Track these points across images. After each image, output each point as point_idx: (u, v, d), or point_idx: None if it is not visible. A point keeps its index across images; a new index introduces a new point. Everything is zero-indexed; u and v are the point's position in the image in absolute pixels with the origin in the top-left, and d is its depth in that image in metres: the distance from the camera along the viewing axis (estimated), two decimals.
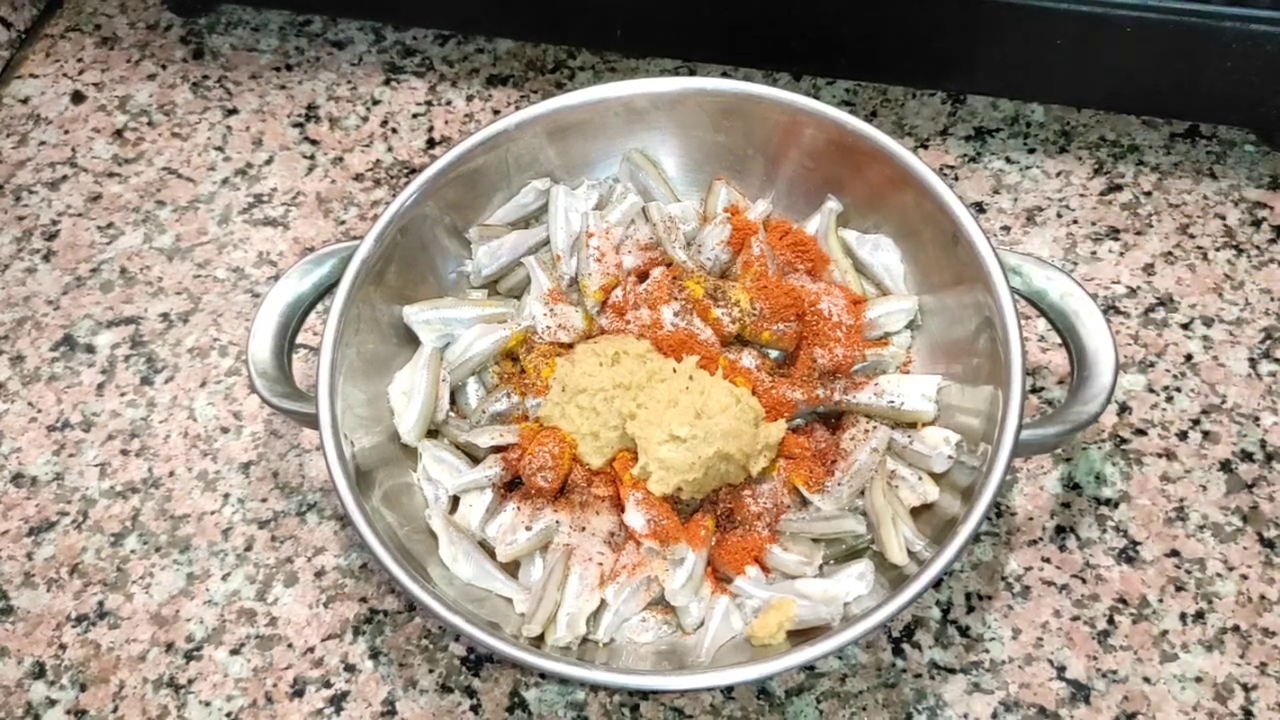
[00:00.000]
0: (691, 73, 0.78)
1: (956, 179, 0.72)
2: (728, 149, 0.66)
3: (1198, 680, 0.56)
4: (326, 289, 0.60)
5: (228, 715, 0.57)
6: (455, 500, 0.59)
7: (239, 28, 0.83)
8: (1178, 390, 0.64)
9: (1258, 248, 0.69)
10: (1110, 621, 0.58)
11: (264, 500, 0.63)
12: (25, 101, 0.80)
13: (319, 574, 0.61)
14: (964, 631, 0.58)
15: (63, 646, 0.59)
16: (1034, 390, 0.65)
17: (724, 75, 0.77)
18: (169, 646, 0.59)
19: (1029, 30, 0.67)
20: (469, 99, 0.78)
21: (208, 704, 0.57)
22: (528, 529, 0.57)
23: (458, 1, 0.78)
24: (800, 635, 0.53)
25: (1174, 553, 0.60)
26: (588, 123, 0.64)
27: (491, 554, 0.57)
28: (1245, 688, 0.56)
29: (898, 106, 0.76)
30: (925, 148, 0.74)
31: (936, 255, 0.60)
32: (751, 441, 0.56)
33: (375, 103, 0.79)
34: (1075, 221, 0.70)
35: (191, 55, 0.82)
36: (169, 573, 0.61)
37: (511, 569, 0.57)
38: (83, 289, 0.71)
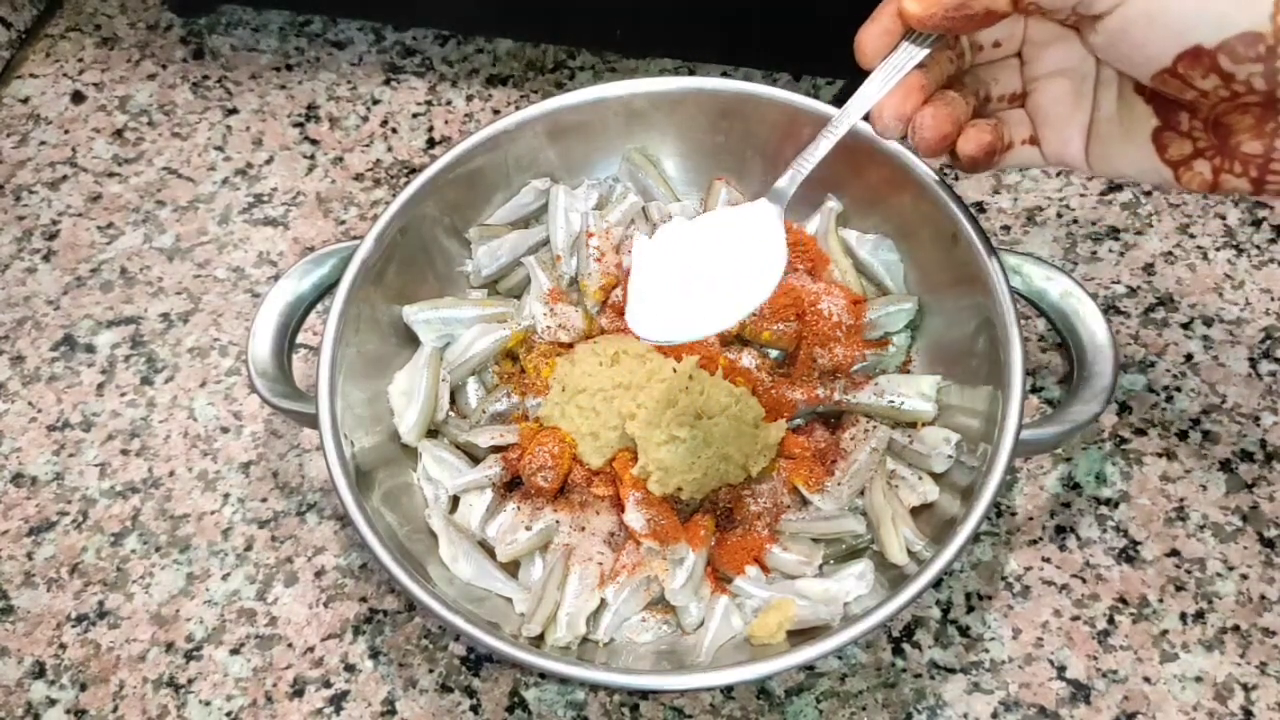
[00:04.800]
0: (691, 73, 0.78)
1: (956, 179, 0.72)
2: (727, 149, 0.66)
3: (1198, 680, 0.56)
4: (326, 289, 0.60)
5: (228, 715, 0.57)
6: (455, 500, 0.59)
7: (239, 28, 0.83)
8: (1178, 390, 0.64)
9: (1258, 247, 0.69)
10: (1110, 621, 0.58)
11: (264, 500, 0.63)
12: (25, 101, 0.80)
13: (319, 574, 0.61)
14: (964, 631, 0.58)
15: (63, 646, 0.59)
16: (1034, 390, 0.65)
17: (724, 75, 0.77)
18: (169, 646, 0.59)
19: None
20: (469, 99, 0.78)
21: (208, 704, 0.57)
22: (528, 529, 0.57)
23: (458, 1, 0.78)
24: (800, 635, 0.53)
25: (1174, 552, 0.60)
26: (588, 123, 0.64)
27: (491, 554, 0.57)
28: (1245, 687, 0.56)
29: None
30: None
31: (936, 255, 0.60)
32: (751, 441, 0.56)
33: (375, 103, 0.79)
34: (1075, 221, 0.70)
35: (191, 55, 0.82)
36: (169, 572, 0.61)
37: (511, 569, 0.57)
38: (83, 289, 0.71)
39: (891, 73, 0.45)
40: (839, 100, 0.54)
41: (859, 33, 0.46)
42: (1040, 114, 0.48)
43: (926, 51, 0.45)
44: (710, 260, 0.52)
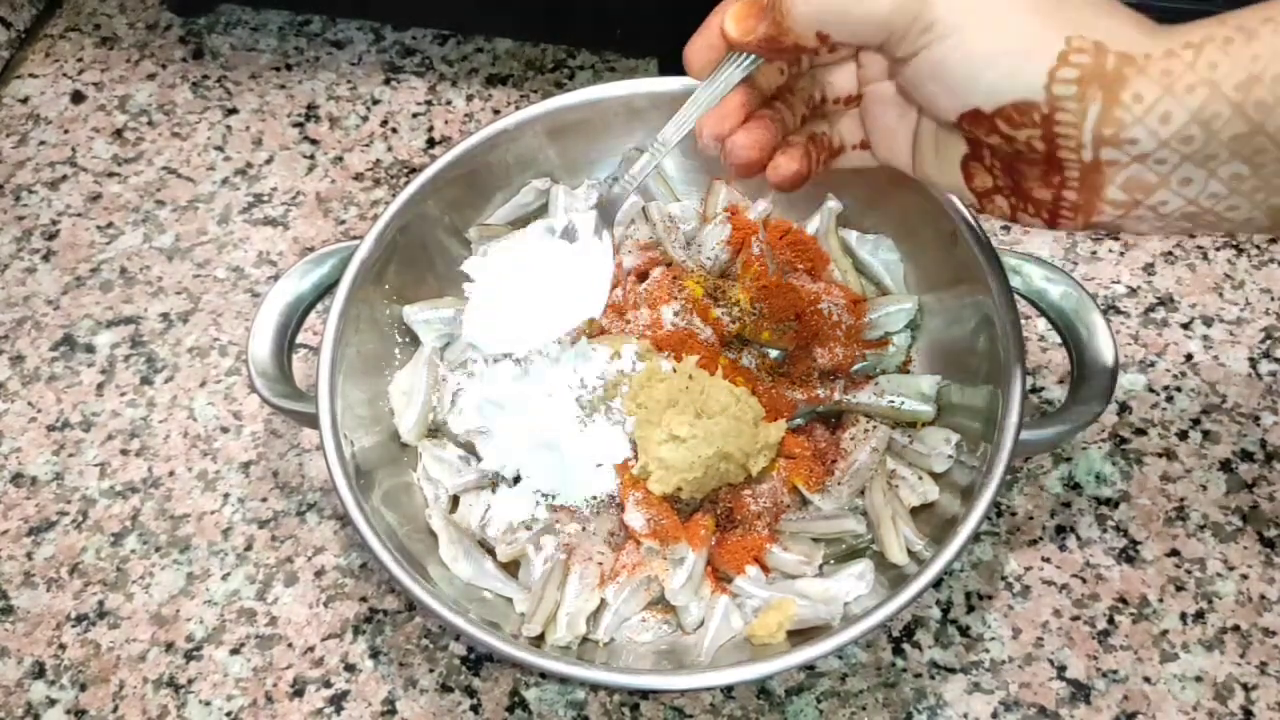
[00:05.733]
0: None
1: None
2: None
3: (1198, 680, 0.56)
4: (326, 289, 0.60)
5: (228, 715, 0.57)
6: (455, 500, 0.59)
7: (239, 27, 0.83)
8: (1178, 390, 0.64)
9: (1258, 247, 0.69)
10: (1110, 621, 0.58)
11: (264, 500, 0.63)
12: (25, 101, 0.80)
13: (319, 574, 0.61)
14: (964, 631, 0.58)
15: (63, 646, 0.59)
16: (1034, 390, 0.65)
17: None
18: (169, 646, 0.59)
19: None
20: (469, 99, 0.78)
21: (208, 704, 0.57)
22: (528, 529, 0.57)
23: (458, 1, 0.78)
24: (800, 635, 0.53)
25: (1174, 552, 0.60)
26: (588, 122, 0.64)
27: (491, 554, 0.57)
28: (1245, 687, 0.56)
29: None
30: None
31: (936, 255, 0.60)
32: (751, 441, 0.56)
33: (375, 102, 0.79)
34: None
35: (191, 55, 0.82)
36: (169, 572, 0.61)
37: (511, 569, 0.57)
38: (83, 289, 0.71)
39: (717, 86, 0.46)
40: None
41: (687, 45, 0.46)
42: (870, 118, 0.48)
43: (751, 66, 0.45)
44: (542, 275, 0.56)
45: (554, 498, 0.57)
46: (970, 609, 0.58)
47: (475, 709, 0.57)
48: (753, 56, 0.45)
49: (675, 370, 0.57)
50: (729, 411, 0.55)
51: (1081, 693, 0.56)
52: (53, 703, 0.58)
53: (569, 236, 0.56)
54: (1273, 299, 0.67)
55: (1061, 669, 0.57)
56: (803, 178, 0.47)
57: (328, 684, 0.58)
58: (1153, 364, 0.65)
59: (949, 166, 0.45)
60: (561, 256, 0.57)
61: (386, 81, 0.80)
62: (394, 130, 0.77)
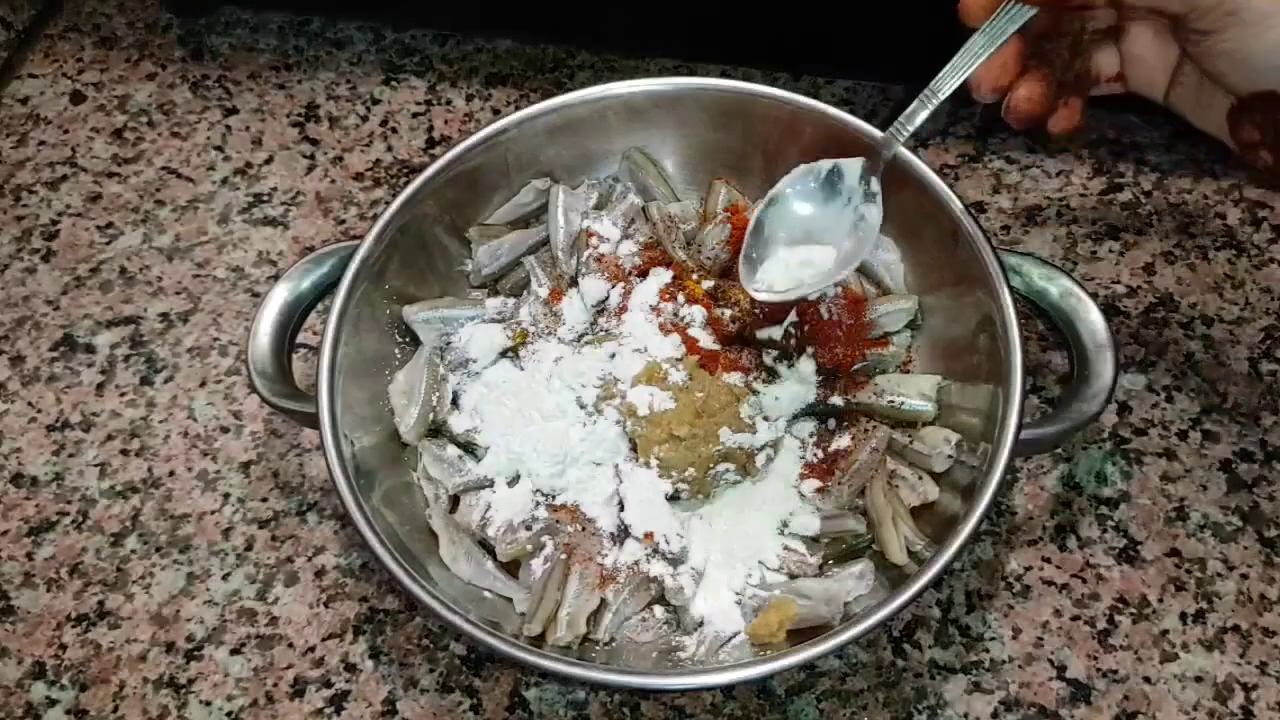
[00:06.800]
0: (691, 72, 0.77)
1: (956, 179, 0.72)
2: (728, 148, 0.66)
3: (1198, 680, 0.56)
4: (326, 289, 0.60)
5: (228, 715, 0.57)
6: (455, 500, 0.59)
7: (238, 27, 0.83)
8: (1178, 390, 0.64)
9: (1258, 247, 0.69)
10: (1110, 621, 0.58)
11: (264, 500, 0.63)
12: (25, 101, 0.80)
13: (319, 574, 0.61)
14: (964, 631, 0.58)
15: (63, 646, 0.59)
16: (1034, 390, 0.65)
17: (724, 75, 0.77)
18: (169, 646, 0.59)
19: None
20: (469, 98, 0.78)
21: (208, 704, 0.57)
22: (528, 528, 0.57)
23: (458, 1, 0.78)
24: (800, 634, 0.53)
25: (1174, 552, 0.60)
26: (588, 122, 0.64)
27: (491, 553, 0.57)
28: (1245, 687, 0.56)
29: (897, 106, 0.75)
30: (925, 147, 0.74)
31: (936, 255, 0.60)
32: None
33: (375, 102, 0.79)
34: (1075, 221, 0.70)
35: (191, 55, 0.82)
36: (169, 572, 0.61)
37: (512, 569, 0.57)
38: (82, 289, 0.71)
39: (994, 36, 0.47)
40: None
41: None
42: (1130, 52, 0.49)
43: (1028, 17, 0.46)
44: (808, 225, 0.57)
45: (554, 498, 0.57)
46: (970, 609, 0.58)
47: (475, 709, 0.57)
48: (1030, 8, 0.46)
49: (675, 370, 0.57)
50: (729, 411, 0.55)
51: (1081, 693, 0.56)
52: (53, 703, 0.58)
53: (834, 184, 0.57)
54: (1273, 299, 0.67)
55: (1061, 669, 0.57)
56: (1078, 128, 0.50)
57: (328, 684, 0.58)
58: (1153, 364, 0.65)
59: (1212, 113, 0.46)
60: (828, 208, 0.58)
61: (386, 81, 0.79)
62: (394, 130, 0.77)
